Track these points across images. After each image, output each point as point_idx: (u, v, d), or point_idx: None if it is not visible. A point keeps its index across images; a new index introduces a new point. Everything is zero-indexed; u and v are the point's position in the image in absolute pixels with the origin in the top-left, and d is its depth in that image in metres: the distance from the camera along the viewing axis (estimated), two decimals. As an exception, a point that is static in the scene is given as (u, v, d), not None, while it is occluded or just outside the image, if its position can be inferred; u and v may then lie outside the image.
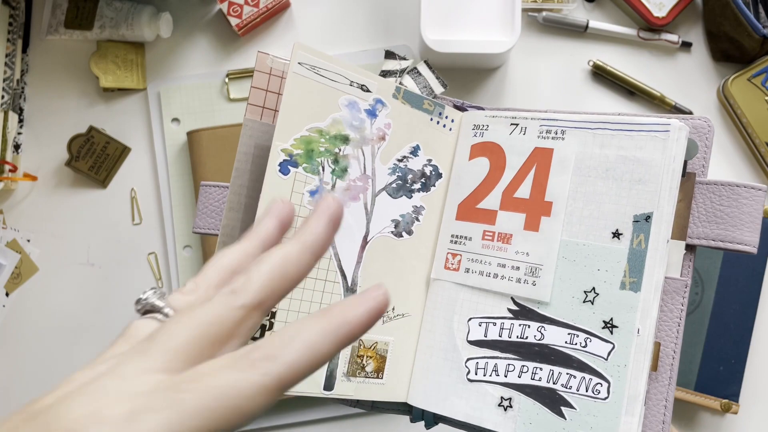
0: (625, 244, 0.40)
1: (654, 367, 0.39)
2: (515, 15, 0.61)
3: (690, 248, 0.41)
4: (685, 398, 0.61)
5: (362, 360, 0.45)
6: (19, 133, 0.69)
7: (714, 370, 0.61)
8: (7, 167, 0.66)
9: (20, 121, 0.69)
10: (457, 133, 0.49)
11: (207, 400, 0.21)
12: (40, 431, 0.20)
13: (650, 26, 0.67)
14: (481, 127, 0.48)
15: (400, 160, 0.46)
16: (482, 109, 0.50)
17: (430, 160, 0.47)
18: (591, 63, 0.67)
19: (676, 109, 0.66)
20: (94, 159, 0.68)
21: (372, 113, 0.45)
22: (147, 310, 0.27)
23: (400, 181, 0.46)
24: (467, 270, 0.46)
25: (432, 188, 0.47)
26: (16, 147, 0.68)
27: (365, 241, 0.45)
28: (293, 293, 0.43)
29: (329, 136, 0.44)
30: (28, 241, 0.68)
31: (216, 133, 0.65)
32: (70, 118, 0.69)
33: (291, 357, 0.22)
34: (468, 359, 0.45)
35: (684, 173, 0.41)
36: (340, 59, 0.44)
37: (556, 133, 0.44)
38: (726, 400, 0.60)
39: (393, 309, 0.46)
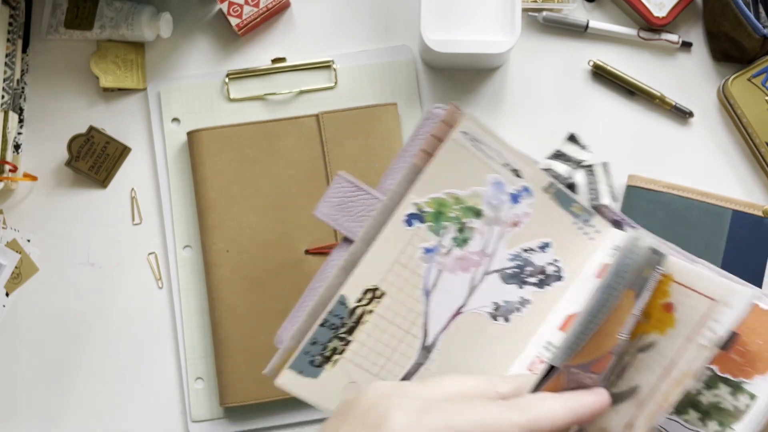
0: None
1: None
2: (515, 15, 0.61)
3: None
4: (685, 398, 0.61)
5: None
6: (19, 133, 0.69)
7: (714, 370, 0.61)
8: (7, 167, 0.66)
9: (20, 121, 0.69)
10: (596, 245, 0.47)
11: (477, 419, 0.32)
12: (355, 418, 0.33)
13: (650, 26, 0.67)
14: (618, 248, 0.43)
15: (525, 250, 0.46)
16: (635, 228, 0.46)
17: (555, 260, 0.46)
18: (591, 63, 0.67)
19: (676, 109, 0.66)
20: (94, 159, 0.68)
21: (515, 198, 0.45)
22: None
23: (517, 269, 0.46)
24: None
25: (547, 287, 0.46)
26: (16, 147, 0.68)
27: (458, 312, 0.45)
28: (372, 330, 0.44)
29: (463, 206, 0.44)
30: (28, 241, 0.68)
31: (216, 133, 0.65)
32: (70, 118, 0.69)
33: (537, 411, 0.33)
34: None
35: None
36: (504, 140, 0.44)
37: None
38: (726, 400, 0.60)
39: None
